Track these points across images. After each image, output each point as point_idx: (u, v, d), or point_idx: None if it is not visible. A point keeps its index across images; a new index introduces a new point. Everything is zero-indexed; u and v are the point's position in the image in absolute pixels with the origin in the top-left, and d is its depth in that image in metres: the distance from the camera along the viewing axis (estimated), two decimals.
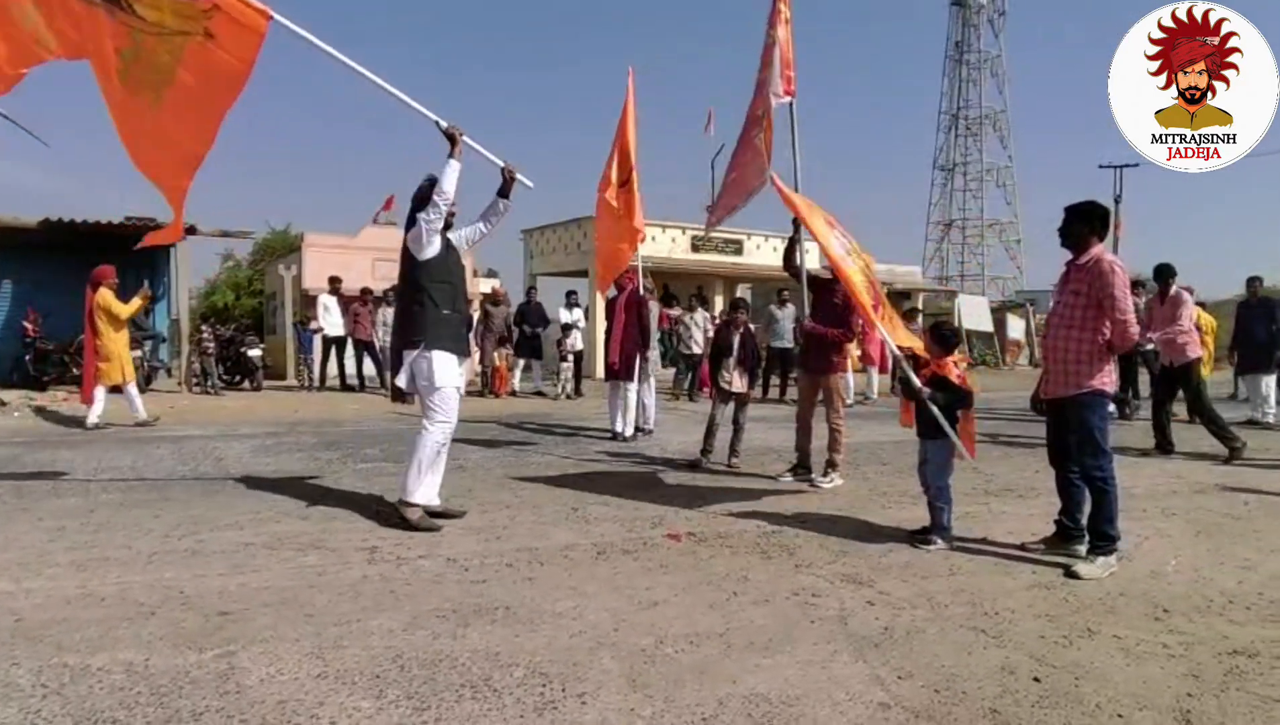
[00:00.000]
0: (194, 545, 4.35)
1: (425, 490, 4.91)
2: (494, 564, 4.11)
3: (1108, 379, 4.28)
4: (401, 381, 4.99)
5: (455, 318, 5.08)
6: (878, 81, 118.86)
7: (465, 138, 4.93)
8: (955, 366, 4.73)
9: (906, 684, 2.79)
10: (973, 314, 26.92)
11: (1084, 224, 4.33)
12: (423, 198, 4.91)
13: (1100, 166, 35.55)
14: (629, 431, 8.91)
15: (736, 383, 7.11)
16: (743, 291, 21.94)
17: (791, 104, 6.62)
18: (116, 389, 9.57)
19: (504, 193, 5.23)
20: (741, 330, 7.18)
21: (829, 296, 6.39)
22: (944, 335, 4.94)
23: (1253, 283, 10.98)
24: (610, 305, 9.19)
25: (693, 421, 10.15)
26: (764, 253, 22.99)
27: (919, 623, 3.38)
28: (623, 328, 8.83)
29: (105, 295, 9.50)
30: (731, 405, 7.22)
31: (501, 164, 5.18)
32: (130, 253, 15.13)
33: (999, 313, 28.67)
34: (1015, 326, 28.10)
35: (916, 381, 4.69)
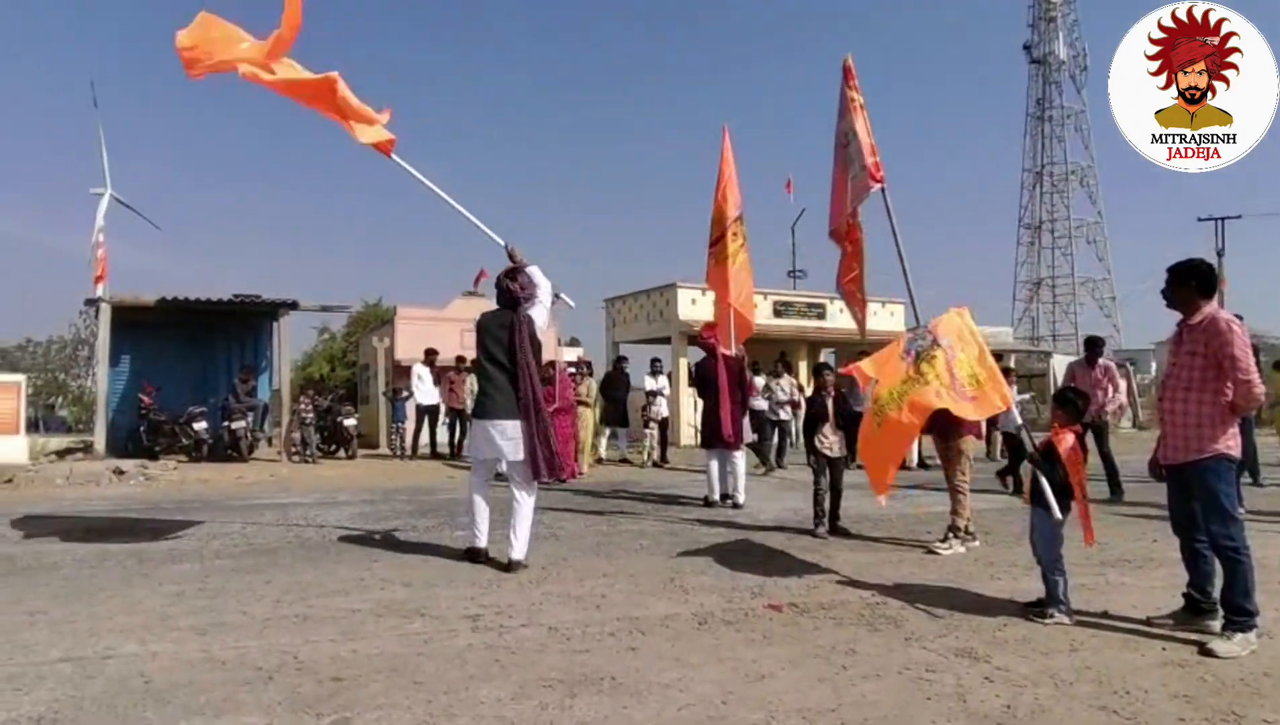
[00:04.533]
0: (304, 611, 4.47)
1: None
2: (595, 633, 4.09)
3: (1233, 442, 4.07)
4: (522, 452, 5.53)
5: None
6: (955, 140, 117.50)
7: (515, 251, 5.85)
8: (1071, 440, 4.49)
9: None
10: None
11: (1184, 285, 4.18)
12: (512, 281, 5.73)
13: (1200, 220, 34.35)
14: (742, 497, 8.71)
15: (835, 446, 7.01)
16: (826, 356, 21.73)
17: (883, 190, 6.37)
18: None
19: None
20: (834, 393, 7.12)
21: None
22: (1068, 399, 4.67)
23: None
24: (704, 370, 8.96)
25: (781, 488, 10.01)
26: (846, 317, 22.75)
27: (1044, 701, 3.21)
28: (730, 396, 8.50)
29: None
30: (829, 472, 7.10)
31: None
32: (235, 328, 16.16)
33: None
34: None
35: (1030, 445, 4.54)
